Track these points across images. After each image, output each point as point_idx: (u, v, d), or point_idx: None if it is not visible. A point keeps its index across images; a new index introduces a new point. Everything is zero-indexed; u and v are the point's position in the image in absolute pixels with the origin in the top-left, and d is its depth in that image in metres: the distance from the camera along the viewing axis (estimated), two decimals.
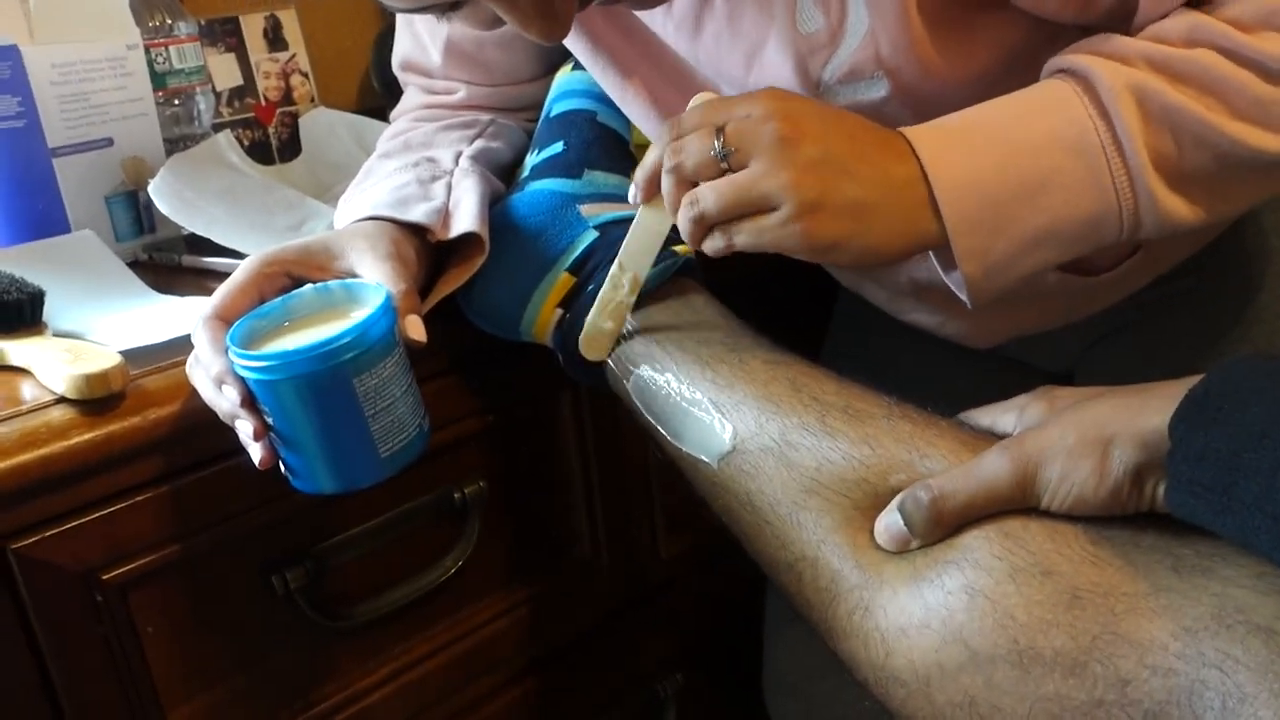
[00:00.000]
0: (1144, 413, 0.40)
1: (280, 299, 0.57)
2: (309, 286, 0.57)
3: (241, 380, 0.52)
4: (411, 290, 0.58)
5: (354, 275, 0.59)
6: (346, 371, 0.52)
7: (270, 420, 0.53)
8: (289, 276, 0.59)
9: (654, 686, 0.88)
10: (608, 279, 0.59)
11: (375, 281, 0.57)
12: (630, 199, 0.58)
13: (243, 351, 0.52)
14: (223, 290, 0.57)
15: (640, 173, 0.57)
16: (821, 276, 0.82)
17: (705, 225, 0.54)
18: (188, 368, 0.56)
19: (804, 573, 0.48)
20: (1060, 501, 0.43)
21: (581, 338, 0.61)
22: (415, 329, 0.56)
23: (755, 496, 0.51)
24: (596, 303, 0.60)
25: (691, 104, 0.55)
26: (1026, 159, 0.52)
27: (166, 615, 0.59)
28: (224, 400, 0.53)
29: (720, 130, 0.52)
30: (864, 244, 0.52)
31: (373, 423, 0.54)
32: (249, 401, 0.53)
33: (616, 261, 0.59)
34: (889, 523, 0.46)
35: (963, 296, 0.55)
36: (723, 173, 0.52)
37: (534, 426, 0.76)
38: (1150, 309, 0.74)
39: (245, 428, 0.53)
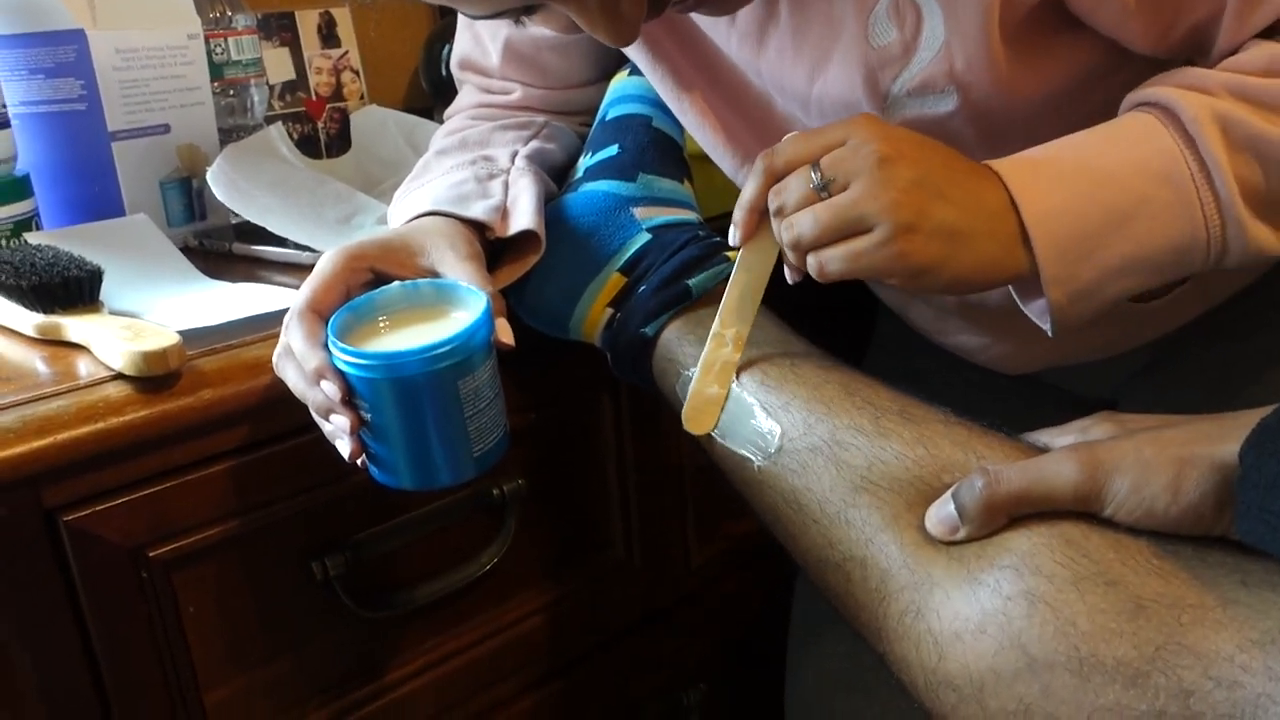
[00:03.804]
0: (1225, 439, 0.40)
1: (368, 295, 0.57)
2: (396, 284, 0.57)
3: (341, 375, 0.53)
4: (499, 293, 0.59)
5: (435, 272, 0.59)
6: (453, 374, 0.53)
7: (365, 415, 0.53)
8: (372, 272, 0.59)
9: (678, 695, 0.88)
10: (710, 338, 0.57)
11: (461, 281, 0.57)
12: (730, 240, 0.57)
13: (351, 348, 0.52)
14: (312, 283, 0.57)
15: (738, 212, 0.56)
16: (861, 301, 0.82)
17: (802, 251, 0.53)
18: (276, 359, 0.56)
19: (852, 572, 0.48)
20: (1127, 513, 0.42)
21: (686, 410, 0.57)
22: (506, 333, 0.57)
23: (802, 495, 0.51)
24: (699, 367, 0.57)
25: (785, 139, 0.55)
26: (1114, 188, 0.52)
27: (208, 596, 0.59)
28: (318, 394, 0.53)
29: (816, 163, 0.52)
30: (956, 270, 0.52)
31: (469, 424, 0.54)
32: (347, 396, 0.53)
33: (718, 319, 0.57)
34: (941, 512, 0.46)
35: (1044, 325, 0.54)
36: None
37: (574, 427, 0.76)
38: (1196, 338, 0.73)
39: (341, 422, 0.53)
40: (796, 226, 0.53)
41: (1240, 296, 0.71)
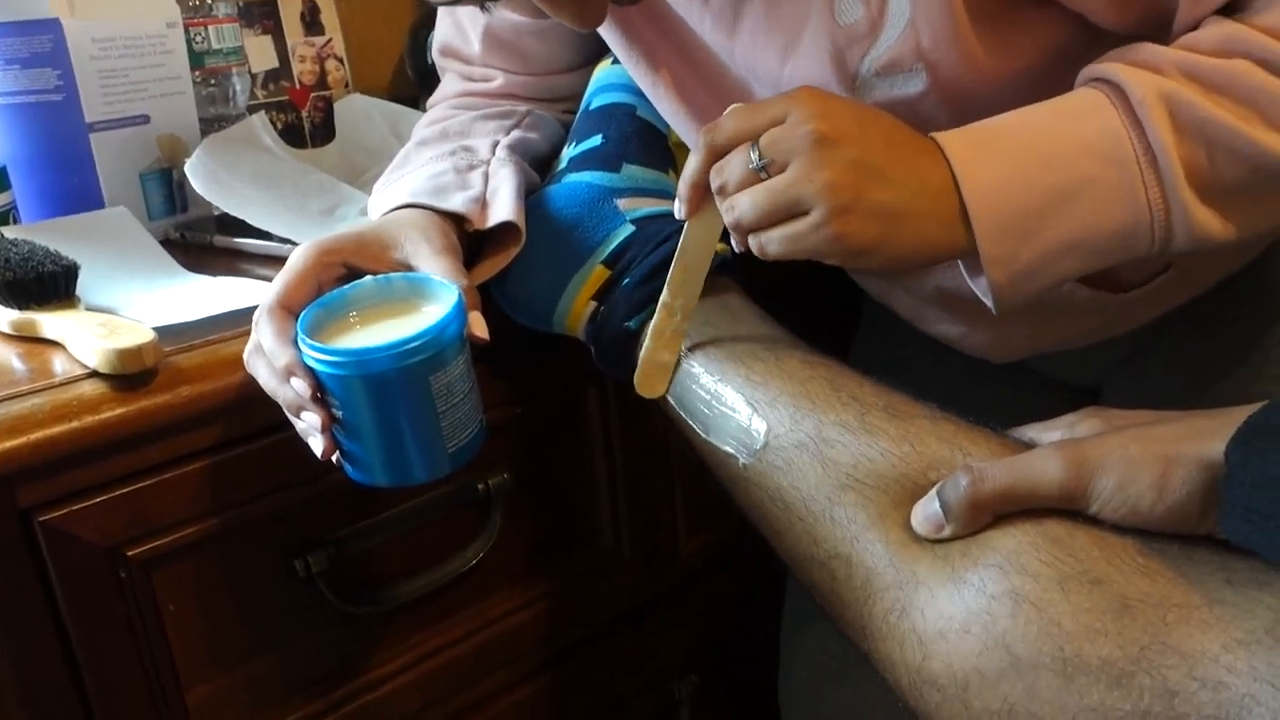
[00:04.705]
0: (1211, 437, 0.39)
1: (340, 290, 0.56)
2: (369, 278, 0.57)
3: (311, 372, 0.52)
4: (473, 287, 0.58)
5: (409, 266, 0.59)
6: (424, 370, 0.52)
7: (337, 413, 0.53)
8: (345, 266, 0.58)
9: (669, 686, 0.87)
10: (659, 308, 0.58)
11: (434, 275, 0.56)
12: (676, 214, 0.57)
13: (319, 345, 0.52)
14: (283, 279, 0.56)
15: (682, 186, 0.56)
16: (846, 289, 0.81)
17: (742, 233, 0.54)
18: (246, 356, 0.56)
19: (837, 570, 0.48)
20: (1113, 510, 0.42)
21: (638, 376, 0.59)
22: (480, 327, 0.56)
23: (787, 492, 0.50)
24: (649, 336, 0.59)
25: (726, 113, 0.55)
26: (1058, 168, 0.51)
27: (188, 594, 0.59)
28: (289, 391, 0.53)
29: (756, 141, 0.52)
30: (894, 250, 0.52)
31: (442, 420, 0.53)
32: (318, 394, 0.52)
33: (666, 290, 0.58)
34: (927, 510, 0.46)
35: (988, 302, 0.54)
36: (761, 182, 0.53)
37: (560, 420, 0.75)
38: (1180, 329, 0.73)
39: (312, 419, 0.53)
40: (737, 209, 0.53)
41: (1223, 285, 0.70)
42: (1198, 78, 0.51)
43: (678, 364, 0.59)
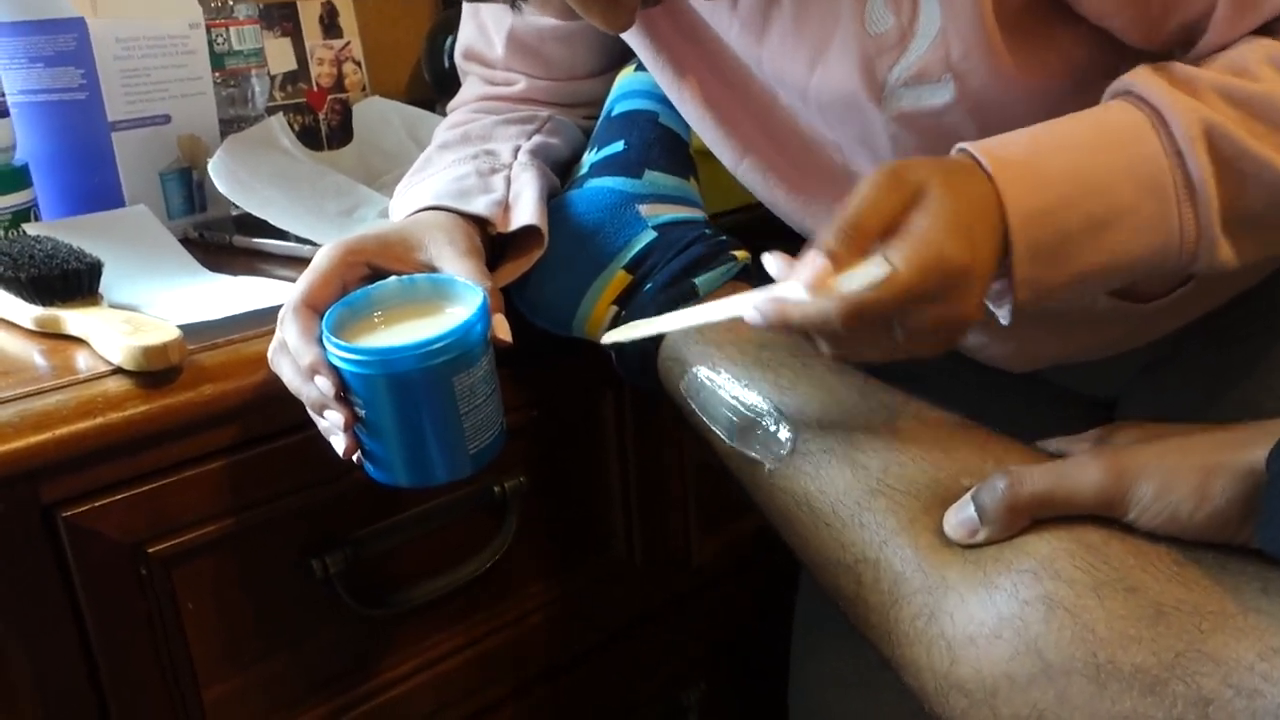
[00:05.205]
0: (1252, 447, 0.39)
1: (364, 289, 0.56)
2: (393, 279, 0.57)
3: (335, 370, 0.52)
4: (497, 289, 0.58)
5: (433, 268, 0.59)
6: (448, 370, 0.52)
7: (360, 412, 0.53)
8: (369, 266, 0.58)
9: (677, 694, 0.87)
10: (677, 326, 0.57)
11: (459, 277, 0.57)
12: (750, 318, 0.50)
13: (345, 344, 0.52)
14: (308, 278, 0.56)
15: (777, 318, 0.49)
16: None
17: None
18: (271, 354, 0.56)
19: (864, 575, 0.48)
20: (1151, 518, 0.42)
21: (614, 332, 0.57)
22: (503, 329, 0.56)
23: (815, 498, 0.50)
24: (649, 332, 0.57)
25: (854, 270, 0.48)
26: (1099, 195, 0.51)
27: (207, 592, 0.59)
28: (313, 390, 0.53)
29: (897, 323, 0.49)
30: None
31: (465, 421, 0.54)
32: (341, 392, 0.52)
33: (673, 316, 0.56)
34: (961, 515, 0.46)
35: (1000, 315, 0.54)
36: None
37: (576, 424, 0.76)
38: (1197, 340, 0.73)
39: (335, 418, 0.53)
40: (852, 357, 0.52)
41: (1241, 299, 0.70)
42: (1236, 102, 0.51)
43: (698, 371, 0.58)
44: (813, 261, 0.48)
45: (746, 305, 0.50)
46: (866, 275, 0.47)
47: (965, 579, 0.44)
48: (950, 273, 0.48)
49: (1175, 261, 0.52)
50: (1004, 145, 0.53)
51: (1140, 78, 0.53)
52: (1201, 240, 0.51)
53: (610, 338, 0.57)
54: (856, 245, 0.48)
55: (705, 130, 0.67)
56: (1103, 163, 0.52)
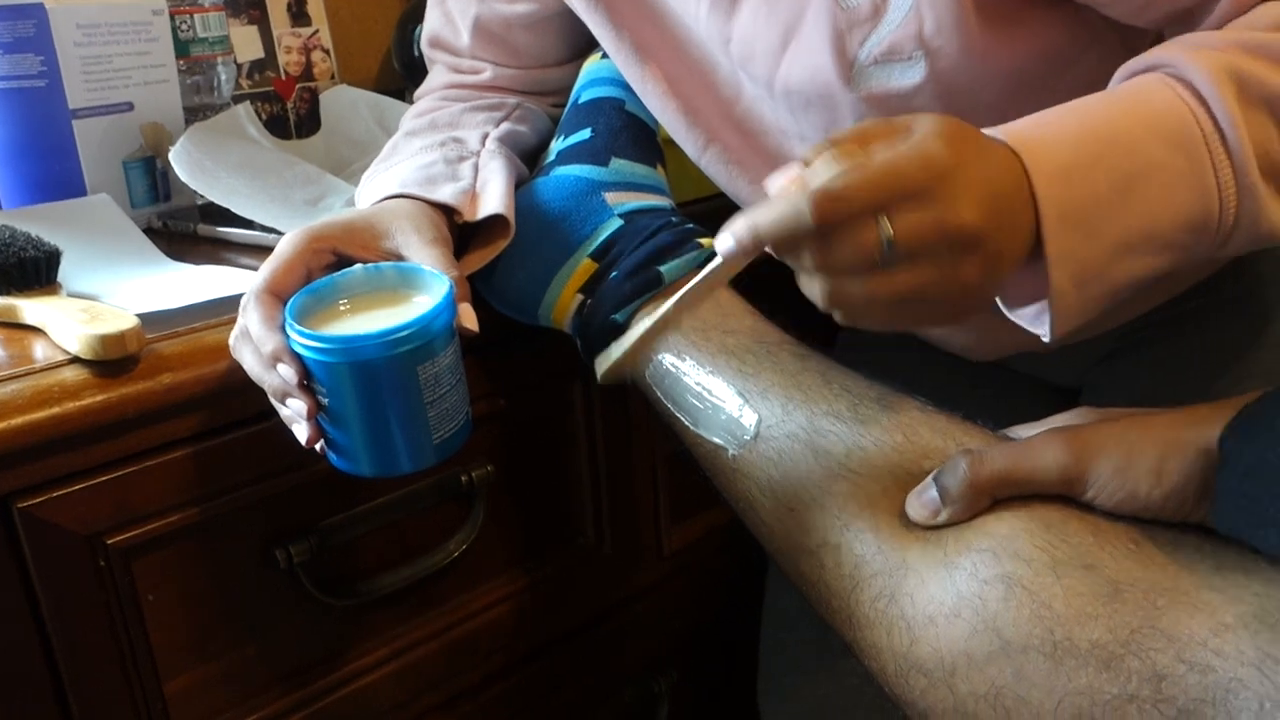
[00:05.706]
0: (1209, 425, 0.40)
1: (329, 277, 0.56)
2: (359, 266, 0.56)
3: (298, 358, 0.52)
4: (464, 278, 0.58)
5: (399, 256, 0.58)
6: (413, 359, 0.52)
7: (323, 400, 0.52)
8: (334, 254, 0.58)
9: (648, 682, 0.87)
10: (658, 313, 0.57)
11: (425, 265, 0.56)
12: (718, 246, 0.47)
13: (308, 331, 0.51)
14: (271, 265, 0.55)
15: (748, 232, 0.46)
16: None
17: (830, 310, 0.47)
18: (232, 341, 0.55)
19: (826, 559, 0.48)
20: (1110, 495, 0.42)
21: (610, 368, 0.60)
22: (469, 318, 0.56)
23: (778, 483, 0.51)
24: (636, 334, 0.59)
25: (844, 171, 0.43)
26: (1122, 150, 0.47)
27: (168, 583, 0.58)
28: (275, 377, 0.52)
29: (884, 214, 0.43)
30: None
31: (429, 410, 0.53)
32: (304, 380, 0.52)
33: (673, 301, 0.56)
34: (923, 496, 0.46)
35: (1040, 330, 0.49)
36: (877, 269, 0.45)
37: (544, 413, 0.75)
38: (1160, 328, 0.74)
39: (298, 406, 0.52)
40: (842, 300, 0.46)
41: (1202, 286, 0.71)
42: (1261, 52, 0.48)
43: (663, 358, 0.59)
44: (785, 170, 0.45)
45: (719, 242, 0.46)
46: (837, 166, 0.42)
47: (925, 560, 0.45)
48: (936, 171, 0.43)
49: (1216, 221, 0.49)
50: (1010, 123, 0.50)
51: (1151, 53, 0.51)
52: (1241, 191, 0.48)
53: (605, 376, 0.60)
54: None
55: (668, 119, 0.67)
56: (1123, 124, 0.48)
